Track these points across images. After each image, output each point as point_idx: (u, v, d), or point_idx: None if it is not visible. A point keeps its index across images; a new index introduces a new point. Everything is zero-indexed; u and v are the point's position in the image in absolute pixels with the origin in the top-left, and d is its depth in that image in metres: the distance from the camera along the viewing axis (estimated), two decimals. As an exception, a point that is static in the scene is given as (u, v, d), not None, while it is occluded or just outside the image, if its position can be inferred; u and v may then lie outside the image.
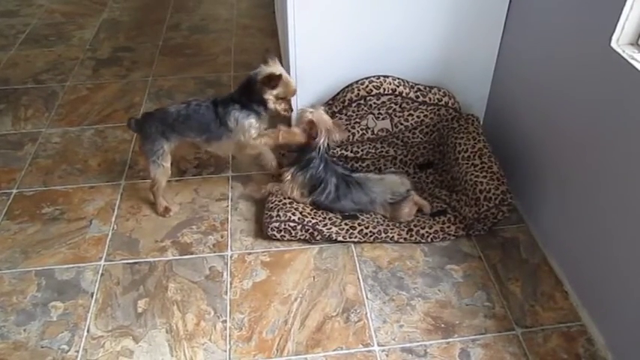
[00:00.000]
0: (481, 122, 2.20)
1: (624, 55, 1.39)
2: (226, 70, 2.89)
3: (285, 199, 1.94)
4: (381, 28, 1.96)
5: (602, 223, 1.55)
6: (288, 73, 2.03)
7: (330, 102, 2.07)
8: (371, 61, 2.03)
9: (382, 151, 2.13)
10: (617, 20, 1.40)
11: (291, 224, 1.85)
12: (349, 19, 1.92)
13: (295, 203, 1.93)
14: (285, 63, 2.07)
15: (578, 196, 1.65)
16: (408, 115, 2.05)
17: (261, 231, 1.93)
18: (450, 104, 2.06)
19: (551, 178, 1.80)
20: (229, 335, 1.62)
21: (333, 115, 2.01)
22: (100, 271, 1.81)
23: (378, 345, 1.59)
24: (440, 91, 2.06)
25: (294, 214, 1.87)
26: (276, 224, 1.86)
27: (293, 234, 1.87)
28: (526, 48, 1.89)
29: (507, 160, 2.00)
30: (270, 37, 3.17)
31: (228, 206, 2.06)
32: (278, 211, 1.88)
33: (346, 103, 2.01)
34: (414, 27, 1.97)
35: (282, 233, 1.87)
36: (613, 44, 1.43)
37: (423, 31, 1.99)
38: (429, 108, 2.05)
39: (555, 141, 1.76)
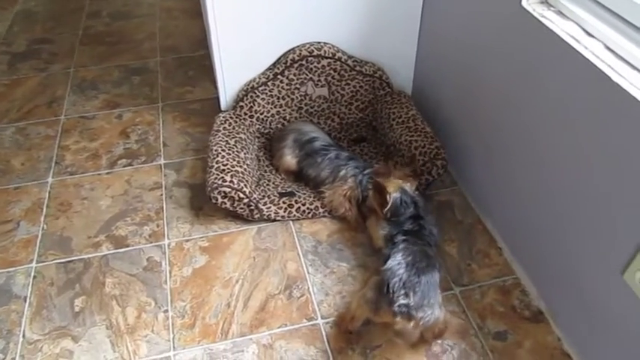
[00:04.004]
0: (410, 93, 2.24)
1: (535, 14, 1.42)
2: (152, 56, 2.80)
3: (238, 165, 1.84)
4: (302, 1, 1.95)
5: (524, 179, 1.60)
6: (214, 54, 1.98)
7: (271, 66, 2.07)
8: (296, 35, 2.03)
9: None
10: (525, -21, 1.43)
11: (240, 195, 1.78)
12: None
13: (247, 175, 1.84)
14: (209, 44, 2.02)
15: (500, 155, 1.70)
16: (345, 84, 2.11)
17: (198, 217, 1.91)
18: (383, 78, 2.15)
19: (476, 140, 1.85)
20: (172, 324, 1.59)
21: (274, 77, 2.03)
22: (32, 274, 1.74)
23: (322, 318, 1.60)
24: (374, 65, 2.14)
25: (245, 185, 1.79)
26: (227, 189, 1.76)
27: (234, 205, 1.80)
28: (446, 14, 1.91)
29: (437, 127, 2.03)
30: (194, 18, 3.08)
31: (162, 195, 2.01)
32: (232, 177, 1.78)
33: (288, 64, 2.02)
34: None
35: (226, 200, 1.78)
36: (524, 3, 1.46)
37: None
38: (364, 79, 2.12)
39: (477, 104, 1.80)
